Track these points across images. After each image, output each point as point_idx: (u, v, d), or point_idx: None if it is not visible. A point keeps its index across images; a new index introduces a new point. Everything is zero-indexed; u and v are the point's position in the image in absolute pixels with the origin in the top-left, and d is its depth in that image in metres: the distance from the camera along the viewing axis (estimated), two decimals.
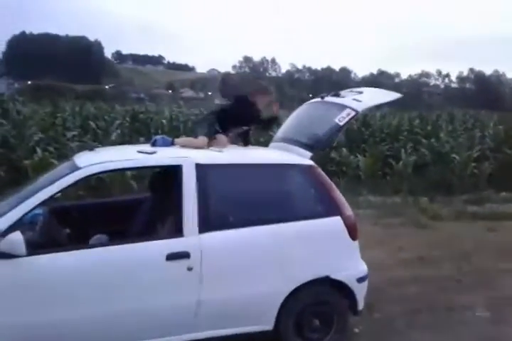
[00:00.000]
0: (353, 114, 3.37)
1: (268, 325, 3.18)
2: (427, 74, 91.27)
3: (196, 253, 2.92)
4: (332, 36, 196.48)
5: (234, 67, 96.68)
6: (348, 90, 3.88)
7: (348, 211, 3.38)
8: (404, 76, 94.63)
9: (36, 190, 2.82)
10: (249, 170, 3.26)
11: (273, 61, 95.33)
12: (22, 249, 2.55)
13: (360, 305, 3.45)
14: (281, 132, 4.11)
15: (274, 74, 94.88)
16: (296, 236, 3.20)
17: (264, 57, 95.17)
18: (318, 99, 3.90)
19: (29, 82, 53.49)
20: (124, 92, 63.48)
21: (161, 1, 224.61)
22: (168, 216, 3.18)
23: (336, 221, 3.30)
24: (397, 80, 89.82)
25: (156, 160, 3.10)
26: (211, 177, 3.08)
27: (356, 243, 3.42)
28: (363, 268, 3.45)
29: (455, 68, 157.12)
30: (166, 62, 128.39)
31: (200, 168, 3.04)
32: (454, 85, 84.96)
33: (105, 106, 13.23)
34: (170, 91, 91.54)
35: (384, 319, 4.04)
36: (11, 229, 2.63)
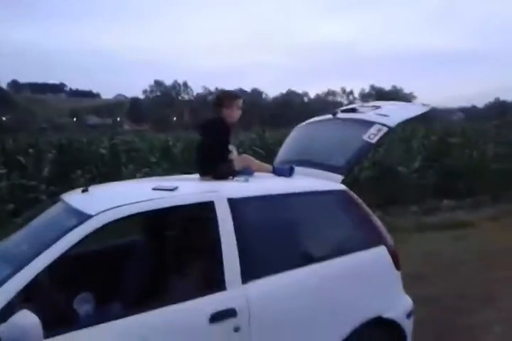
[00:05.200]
0: (384, 129, 3.04)
1: None
2: (333, 93, 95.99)
3: (243, 308, 2.37)
4: (241, 58, 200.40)
5: (145, 91, 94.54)
6: (359, 105, 3.58)
7: (389, 238, 3.03)
8: (312, 95, 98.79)
9: (35, 250, 2.12)
10: (283, 202, 2.77)
11: (185, 84, 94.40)
12: (39, 333, 1.85)
13: None
14: (286, 154, 3.70)
15: (186, 97, 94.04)
16: (345, 273, 2.77)
17: (176, 81, 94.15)
18: (329, 117, 3.54)
19: None
20: (25, 123, 59.27)
21: (57, 26, 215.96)
22: (198, 265, 2.60)
23: (382, 251, 2.93)
24: (305, 99, 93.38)
25: (183, 198, 2.48)
26: (246, 213, 2.56)
27: (400, 273, 3.06)
28: (409, 301, 3.10)
29: (358, 85, 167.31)
30: (68, 89, 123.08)
31: (233, 203, 2.52)
32: (357, 102, 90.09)
33: (25, 138, 11.89)
34: (74, 119, 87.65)
35: None
36: (10, 307, 1.92)
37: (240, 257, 2.43)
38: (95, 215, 2.23)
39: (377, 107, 3.36)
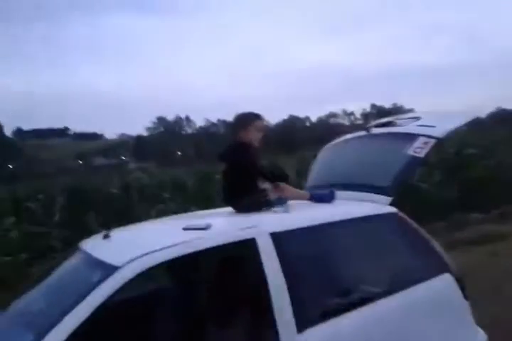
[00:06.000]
0: (432, 141, 2.74)
1: None
2: (334, 115, 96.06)
3: None
4: (240, 87, 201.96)
5: (148, 128, 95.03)
6: (395, 117, 3.29)
7: (453, 264, 2.68)
8: (313, 119, 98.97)
9: (57, 314, 1.79)
10: (332, 232, 2.43)
11: (187, 118, 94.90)
12: None
13: None
14: (318, 178, 3.38)
15: (189, 131, 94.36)
16: (410, 309, 2.41)
17: (178, 115, 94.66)
18: (361, 133, 3.24)
19: None
20: (32, 169, 59.68)
21: (55, 71, 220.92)
22: (242, 315, 2.23)
23: (448, 279, 2.57)
24: (307, 123, 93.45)
25: (220, 238, 2.17)
26: (293, 248, 2.23)
27: (468, 304, 2.69)
28: (483, 334, 2.71)
29: (358, 106, 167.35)
30: (72, 133, 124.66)
31: (277, 238, 2.19)
32: (359, 122, 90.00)
33: (32, 184, 11.71)
34: (80, 161, 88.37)
35: None
36: None
37: (291, 301, 2.08)
38: (122, 266, 1.90)
39: (417, 118, 3.06)
